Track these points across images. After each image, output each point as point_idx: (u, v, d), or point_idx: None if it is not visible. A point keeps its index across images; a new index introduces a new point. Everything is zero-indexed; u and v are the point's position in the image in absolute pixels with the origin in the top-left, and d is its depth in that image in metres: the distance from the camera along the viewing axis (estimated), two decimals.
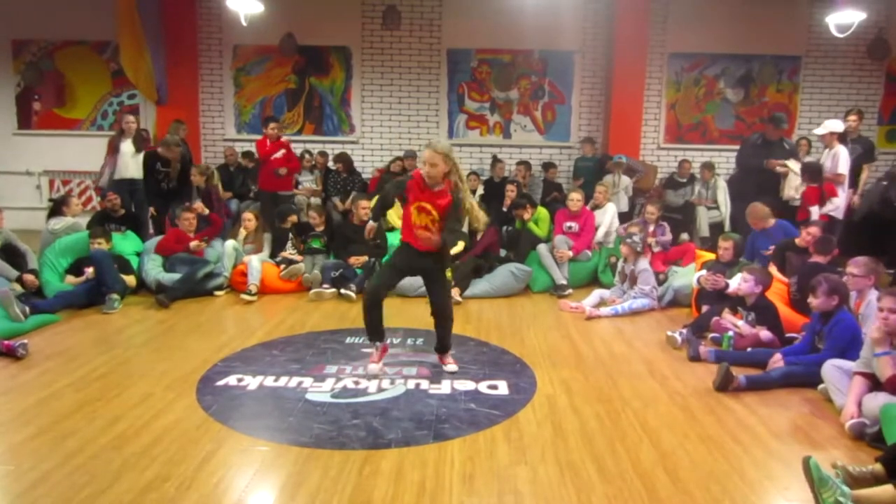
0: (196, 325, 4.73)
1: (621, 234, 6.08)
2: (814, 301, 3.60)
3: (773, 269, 4.86)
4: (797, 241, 4.96)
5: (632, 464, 2.68)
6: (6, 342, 3.91)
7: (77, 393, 3.35)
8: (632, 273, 5.31)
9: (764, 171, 6.44)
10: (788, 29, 8.50)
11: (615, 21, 8.27)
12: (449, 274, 4.34)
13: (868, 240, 6.41)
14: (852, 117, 6.56)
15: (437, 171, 3.38)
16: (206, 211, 6.24)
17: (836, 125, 5.96)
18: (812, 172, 5.94)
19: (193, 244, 5.74)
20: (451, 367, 3.76)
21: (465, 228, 6.26)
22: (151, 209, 6.75)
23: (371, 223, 3.83)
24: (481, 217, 3.61)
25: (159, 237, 6.10)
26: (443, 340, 3.79)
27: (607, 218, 6.42)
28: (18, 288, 4.92)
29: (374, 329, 3.65)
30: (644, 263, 5.30)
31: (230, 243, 5.81)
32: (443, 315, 3.69)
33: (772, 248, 5.24)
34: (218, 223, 6.22)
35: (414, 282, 5.70)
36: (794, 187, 6.26)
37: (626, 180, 7.51)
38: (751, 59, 8.64)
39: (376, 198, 4.09)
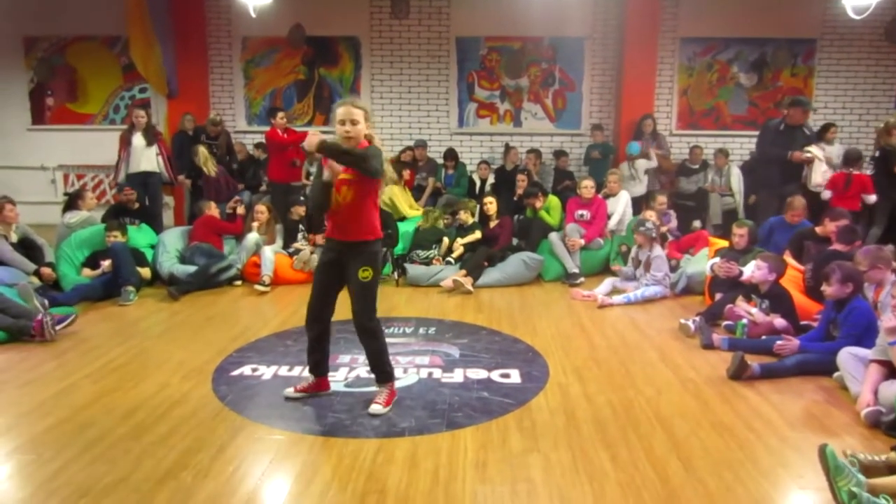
0: (210, 315, 4.78)
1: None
2: (828, 289, 3.57)
3: (788, 257, 4.81)
4: (817, 229, 4.89)
5: (644, 452, 2.68)
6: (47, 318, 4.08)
7: (95, 384, 3.40)
8: (647, 259, 5.28)
9: (788, 160, 6.26)
10: (803, 11, 8.34)
11: (626, 6, 8.17)
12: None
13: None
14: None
15: (357, 131, 2.78)
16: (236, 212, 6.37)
17: None
18: (848, 158, 5.84)
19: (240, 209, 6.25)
20: (375, 406, 2.99)
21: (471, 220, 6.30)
22: (184, 178, 7.35)
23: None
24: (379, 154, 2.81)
25: (181, 227, 6.40)
26: (372, 363, 3.06)
27: (620, 206, 6.39)
28: (36, 281, 5.01)
29: (314, 364, 3.17)
30: (658, 250, 5.27)
31: (252, 237, 5.84)
32: (359, 328, 2.98)
33: None
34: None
35: (427, 270, 5.75)
36: (820, 173, 6.08)
37: (642, 163, 7.39)
38: (764, 43, 8.50)
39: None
